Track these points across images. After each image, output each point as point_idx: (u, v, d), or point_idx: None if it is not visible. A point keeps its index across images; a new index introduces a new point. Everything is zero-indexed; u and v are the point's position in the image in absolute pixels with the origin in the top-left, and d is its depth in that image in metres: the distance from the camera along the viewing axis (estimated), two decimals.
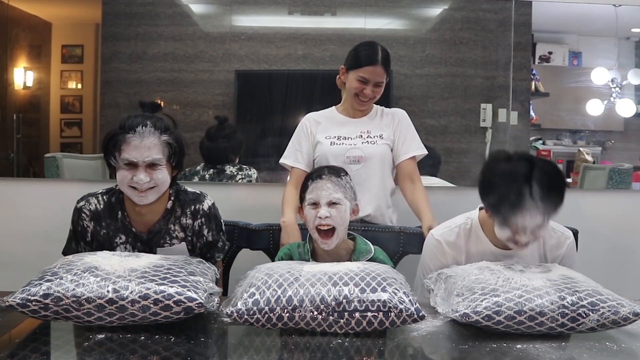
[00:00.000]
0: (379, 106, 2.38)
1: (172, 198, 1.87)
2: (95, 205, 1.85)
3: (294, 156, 2.33)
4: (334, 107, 2.39)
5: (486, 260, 1.83)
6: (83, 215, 1.84)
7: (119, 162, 1.75)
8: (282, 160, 2.35)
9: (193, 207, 1.88)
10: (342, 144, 2.29)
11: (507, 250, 1.86)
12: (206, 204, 1.89)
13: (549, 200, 1.69)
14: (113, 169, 1.79)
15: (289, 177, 2.35)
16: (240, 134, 3.04)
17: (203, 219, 1.88)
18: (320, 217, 1.80)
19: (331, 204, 1.82)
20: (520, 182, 1.68)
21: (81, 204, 1.86)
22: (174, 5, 3.03)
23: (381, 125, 2.33)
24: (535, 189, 1.67)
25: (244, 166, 2.96)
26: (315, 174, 1.88)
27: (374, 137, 2.30)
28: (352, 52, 2.30)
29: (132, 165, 1.74)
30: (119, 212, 1.85)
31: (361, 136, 2.30)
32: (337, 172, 1.89)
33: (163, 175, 1.77)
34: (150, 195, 1.77)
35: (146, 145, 1.74)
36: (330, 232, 1.83)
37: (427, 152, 2.34)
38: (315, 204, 1.83)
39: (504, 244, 1.82)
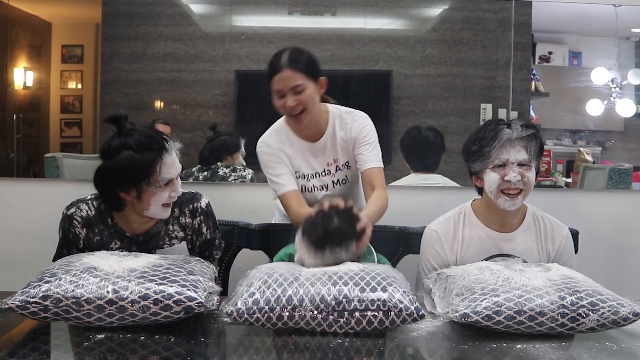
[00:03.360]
0: (337, 110, 2.13)
1: None
2: (87, 211, 1.83)
3: (281, 183, 2.08)
4: (280, 122, 2.15)
5: (483, 244, 1.89)
6: (75, 222, 1.82)
7: (155, 185, 1.71)
8: (277, 194, 2.12)
9: (191, 205, 1.89)
10: (314, 187, 2.12)
11: (503, 234, 1.90)
12: (203, 202, 1.91)
13: (529, 135, 1.79)
14: (118, 199, 1.74)
15: (287, 206, 2.08)
16: (236, 133, 3.03)
17: (202, 217, 1.90)
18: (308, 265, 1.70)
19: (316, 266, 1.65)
20: (496, 122, 1.84)
21: (72, 210, 1.83)
22: (174, 5, 3.03)
23: (345, 143, 2.10)
24: (514, 125, 1.80)
25: (238, 167, 2.96)
26: (319, 238, 1.66)
27: (342, 167, 2.13)
28: None
29: (168, 183, 1.75)
30: (109, 219, 1.83)
31: (330, 171, 2.12)
32: (338, 242, 1.65)
33: (180, 183, 1.81)
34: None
35: (174, 158, 1.77)
36: None
37: (382, 166, 2.11)
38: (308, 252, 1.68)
39: (498, 225, 1.88)
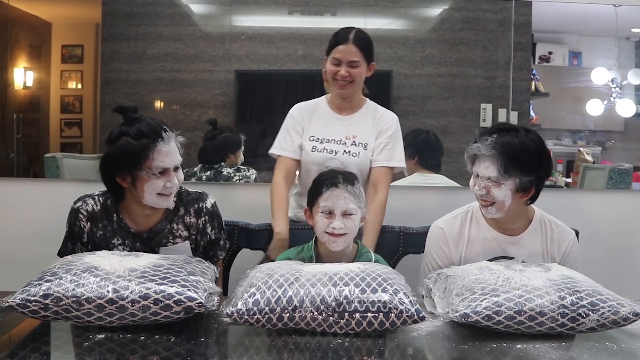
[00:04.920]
0: (374, 104, 2.30)
1: (175, 198, 1.88)
2: (92, 206, 1.86)
3: (282, 145, 2.25)
4: (324, 97, 2.32)
5: (488, 245, 1.90)
6: (80, 215, 1.85)
7: (148, 171, 1.74)
8: (270, 151, 2.28)
9: (197, 205, 1.90)
10: (324, 149, 2.21)
11: (508, 236, 1.90)
12: (209, 202, 1.92)
13: (503, 154, 1.76)
14: (117, 186, 1.78)
15: (276, 168, 2.25)
16: (237, 131, 3.03)
17: (207, 217, 1.91)
18: (334, 228, 1.77)
19: (346, 214, 1.79)
20: (483, 132, 1.84)
21: (78, 204, 1.86)
22: (174, 5, 3.03)
23: (370, 129, 2.25)
24: (486, 141, 1.79)
25: (242, 167, 2.96)
26: (330, 180, 1.82)
27: (358, 144, 2.22)
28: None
29: (164, 172, 1.76)
30: (114, 215, 1.85)
31: (345, 142, 2.22)
32: (351, 180, 1.83)
33: (181, 176, 1.83)
34: (172, 197, 1.82)
35: (172, 149, 1.78)
36: (341, 234, 1.80)
37: (404, 166, 2.29)
38: (330, 213, 1.79)
39: (500, 227, 1.89)
